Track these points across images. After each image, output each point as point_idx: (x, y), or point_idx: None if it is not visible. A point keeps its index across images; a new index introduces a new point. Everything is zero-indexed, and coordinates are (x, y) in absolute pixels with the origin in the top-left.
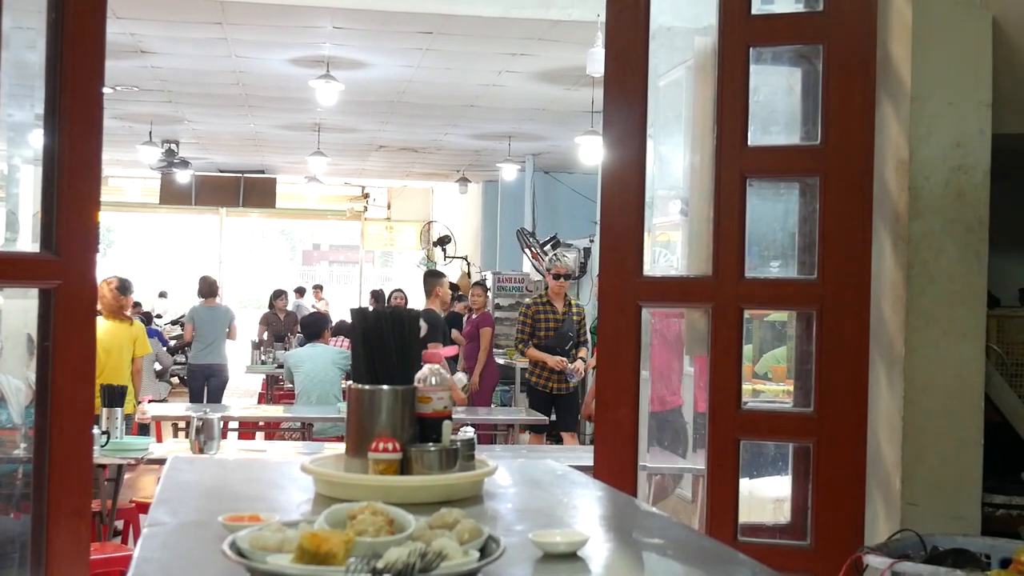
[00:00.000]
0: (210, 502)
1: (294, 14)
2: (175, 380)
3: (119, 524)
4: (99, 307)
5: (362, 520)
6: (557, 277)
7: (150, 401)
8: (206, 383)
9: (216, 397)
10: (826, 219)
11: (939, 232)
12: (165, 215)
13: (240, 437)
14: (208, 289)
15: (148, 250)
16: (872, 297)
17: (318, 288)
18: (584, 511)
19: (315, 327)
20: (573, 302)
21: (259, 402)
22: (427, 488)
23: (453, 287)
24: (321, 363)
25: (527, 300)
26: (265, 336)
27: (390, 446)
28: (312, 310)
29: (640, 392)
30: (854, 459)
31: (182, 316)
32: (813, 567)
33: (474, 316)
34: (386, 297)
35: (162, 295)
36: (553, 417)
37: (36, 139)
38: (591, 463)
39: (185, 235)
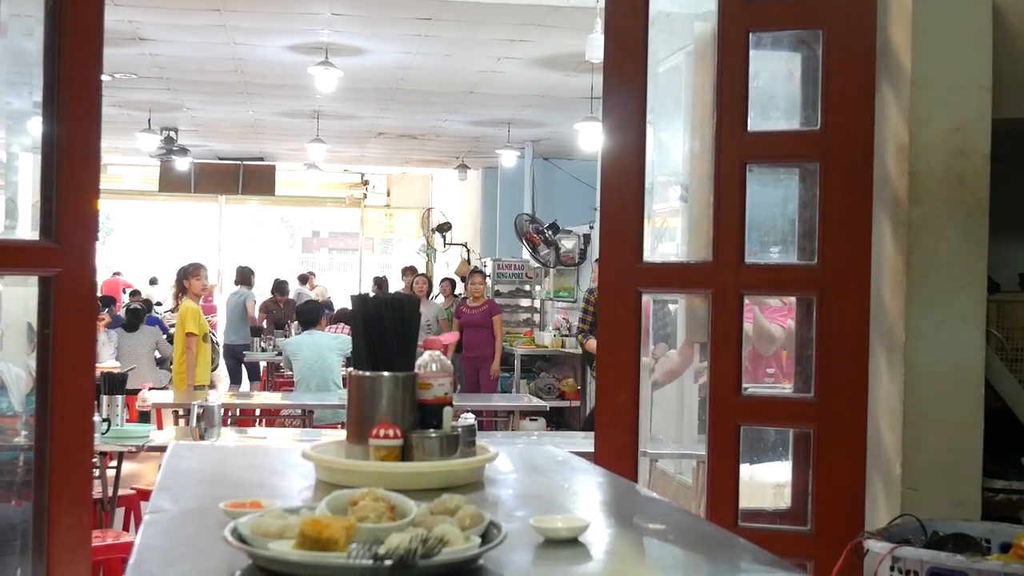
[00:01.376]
0: (211, 489)
1: (292, 1)
2: None
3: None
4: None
5: (363, 506)
6: None
7: (150, 389)
8: (236, 363)
9: (238, 378)
10: (826, 204)
11: (939, 217)
12: (164, 203)
13: (240, 424)
14: (239, 277)
15: (148, 238)
16: (872, 282)
17: (311, 275)
18: (585, 497)
19: (311, 315)
20: None
21: (260, 389)
22: (428, 474)
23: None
24: (319, 350)
25: (592, 286)
26: (265, 324)
27: (391, 432)
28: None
29: (641, 378)
30: (854, 444)
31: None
32: (814, 552)
33: (469, 302)
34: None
35: (152, 282)
36: None
37: (35, 127)
38: (592, 449)
39: (184, 223)
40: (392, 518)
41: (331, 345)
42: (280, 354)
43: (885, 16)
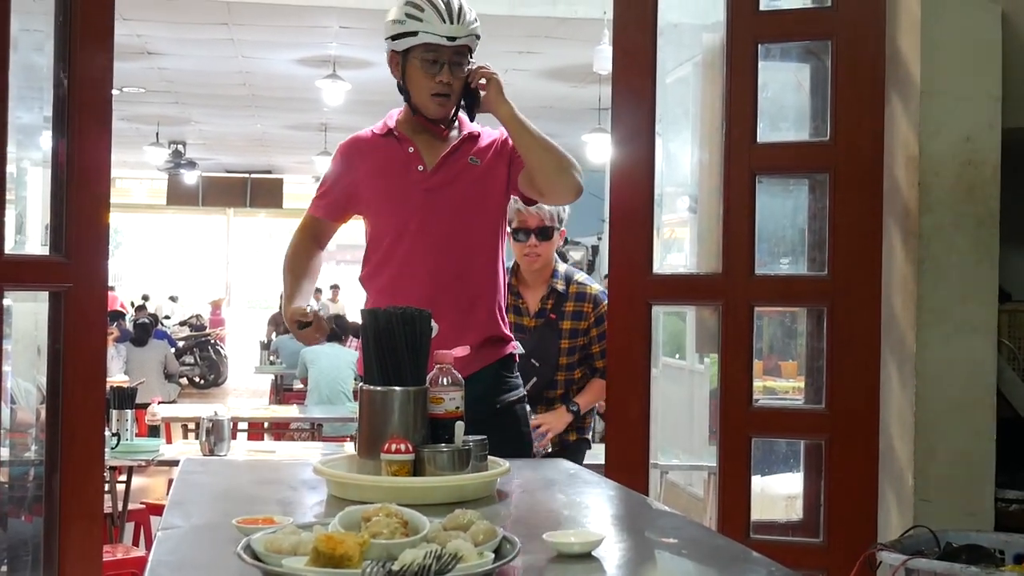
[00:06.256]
0: (223, 504)
1: (300, 14)
2: (184, 381)
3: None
4: None
5: (377, 522)
6: (520, 233)
7: (159, 402)
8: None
9: None
10: (836, 215)
11: (949, 227)
12: (172, 216)
13: (249, 438)
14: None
15: (156, 251)
16: (883, 293)
17: (335, 288)
18: (597, 510)
19: (338, 328)
20: (575, 288)
21: (269, 402)
22: (440, 489)
23: None
24: (336, 363)
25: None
26: (274, 336)
27: (403, 447)
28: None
29: (651, 390)
30: (866, 456)
31: (191, 317)
32: (826, 564)
33: None
34: None
35: (173, 299)
36: None
37: (45, 141)
38: (602, 461)
39: (192, 236)
40: (405, 534)
41: (349, 360)
42: (276, 360)
43: (894, 26)
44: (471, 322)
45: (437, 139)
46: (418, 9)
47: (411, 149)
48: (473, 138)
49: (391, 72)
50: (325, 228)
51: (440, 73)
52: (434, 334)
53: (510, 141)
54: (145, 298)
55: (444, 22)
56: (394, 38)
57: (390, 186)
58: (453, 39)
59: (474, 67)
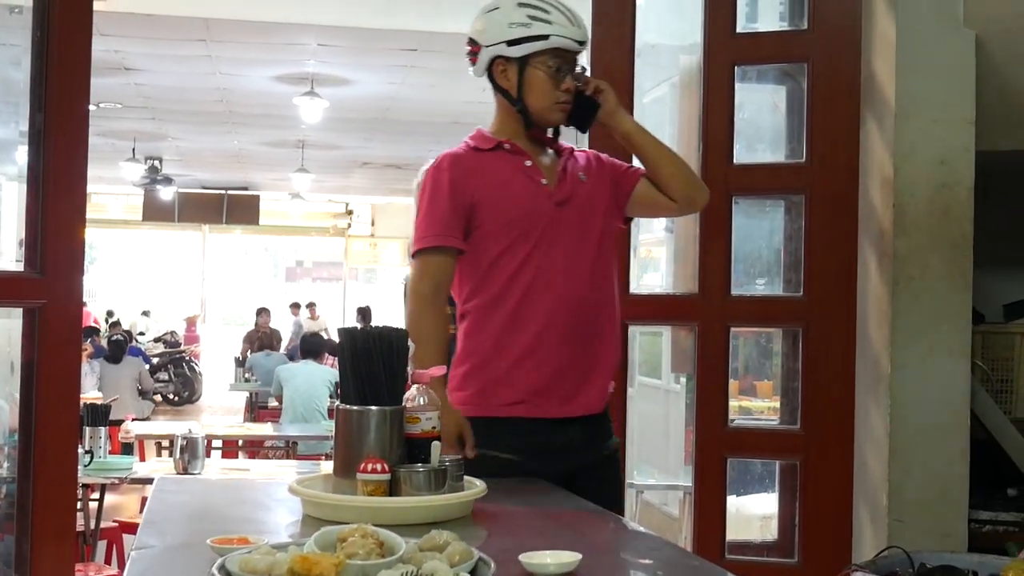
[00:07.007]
0: (198, 524)
1: (278, 31)
2: (158, 398)
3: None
4: None
5: (352, 543)
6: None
7: (133, 419)
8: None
9: None
10: (812, 236)
11: (924, 249)
12: (148, 232)
13: (223, 456)
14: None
15: (131, 267)
16: (858, 314)
17: (312, 306)
18: (573, 531)
19: (314, 346)
20: None
21: (244, 420)
22: (416, 509)
23: None
24: (312, 380)
25: None
26: (249, 353)
27: (379, 467)
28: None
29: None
30: (841, 476)
31: (165, 333)
32: None
33: None
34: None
35: (145, 313)
36: None
37: (21, 156)
38: None
39: (168, 252)
40: (381, 555)
41: (325, 378)
42: (259, 382)
43: (869, 49)
44: (602, 350)
45: (543, 152)
46: (543, 11)
47: (528, 163)
48: (569, 152)
49: (496, 81)
50: (453, 265)
51: (565, 80)
52: (410, 354)
53: (604, 160)
54: (110, 314)
55: (573, 25)
56: (511, 43)
57: (518, 201)
58: (582, 43)
59: (585, 75)
